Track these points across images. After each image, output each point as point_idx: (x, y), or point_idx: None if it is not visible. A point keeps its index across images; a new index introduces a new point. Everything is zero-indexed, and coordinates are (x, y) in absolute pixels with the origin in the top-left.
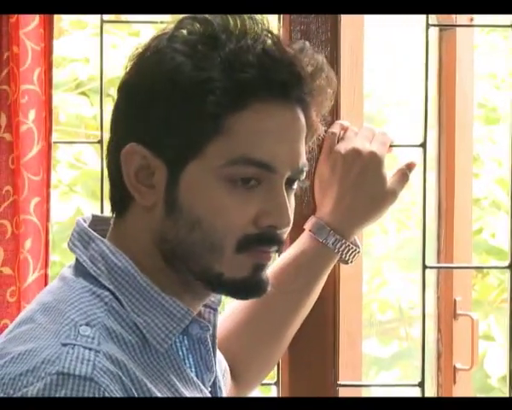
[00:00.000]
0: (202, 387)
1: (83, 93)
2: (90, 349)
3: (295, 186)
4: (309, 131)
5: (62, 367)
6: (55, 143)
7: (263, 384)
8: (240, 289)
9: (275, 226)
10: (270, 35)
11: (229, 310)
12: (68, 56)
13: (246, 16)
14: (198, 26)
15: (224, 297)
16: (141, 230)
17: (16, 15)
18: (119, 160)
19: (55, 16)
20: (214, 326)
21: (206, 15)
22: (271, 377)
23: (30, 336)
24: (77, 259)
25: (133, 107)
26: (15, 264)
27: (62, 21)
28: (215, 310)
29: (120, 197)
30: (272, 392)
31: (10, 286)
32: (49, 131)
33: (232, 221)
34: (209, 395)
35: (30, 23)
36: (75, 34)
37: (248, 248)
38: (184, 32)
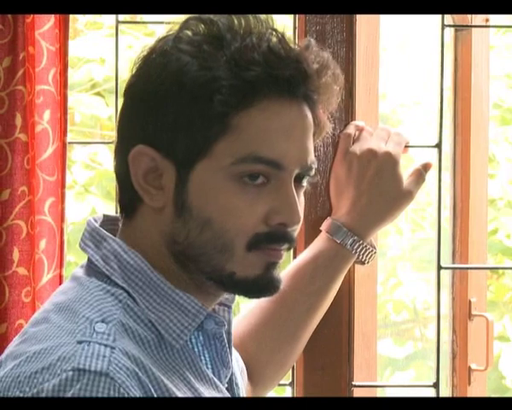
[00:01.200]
0: (218, 383)
1: (98, 94)
2: (106, 346)
3: (305, 184)
4: (317, 129)
5: (78, 363)
6: (70, 143)
7: (278, 385)
8: (252, 288)
9: (285, 224)
10: (274, 33)
11: (246, 311)
12: (84, 57)
13: (250, 16)
14: (203, 26)
15: (238, 297)
16: (151, 231)
17: (32, 16)
18: (127, 162)
19: (71, 17)
20: (229, 323)
21: (212, 16)
22: (286, 377)
23: (45, 335)
24: (89, 258)
25: (140, 109)
26: (30, 264)
27: (78, 22)
28: (229, 307)
29: (129, 199)
30: (287, 392)
31: (25, 286)
32: (64, 132)
33: (242, 221)
34: (225, 392)
35: (45, 23)
36: (90, 35)
37: (259, 247)
38: (189, 32)
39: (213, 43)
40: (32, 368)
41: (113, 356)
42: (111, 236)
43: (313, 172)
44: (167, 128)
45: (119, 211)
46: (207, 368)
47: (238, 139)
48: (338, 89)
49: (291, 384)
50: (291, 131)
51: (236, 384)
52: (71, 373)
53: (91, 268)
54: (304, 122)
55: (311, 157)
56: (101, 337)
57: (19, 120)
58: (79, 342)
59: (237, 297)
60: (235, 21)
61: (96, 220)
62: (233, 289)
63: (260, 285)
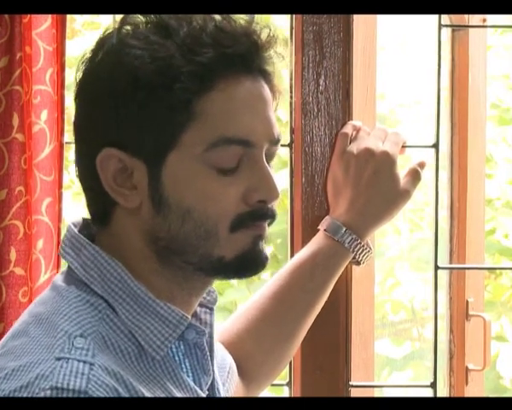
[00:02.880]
0: (199, 392)
1: None
2: (85, 362)
3: (274, 158)
4: (275, 100)
5: (56, 382)
6: (67, 143)
7: (275, 385)
8: (241, 266)
9: (265, 201)
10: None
11: (243, 308)
12: None
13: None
14: (142, 19)
15: (234, 296)
16: (129, 233)
17: (29, 16)
18: (94, 168)
19: (68, 17)
20: (211, 326)
21: None
22: (283, 377)
23: (23, 350)
24: (69, 266)
25: (98, 112)
26: (27, 264)
27: (75, 22)
28: (211, 310)
29: (102, 205)
30: (284, 392)
31: (22, 287)
32: (61, 132)
33: (222, 204)
34: None
35: (42, 24)
36: (88, 35)
37: (242, 226)
38: (130, 27)
39: (159, 32)
40: (10, 386)
41: (92, 373)
42: (91, 243)
43: (279, 147)
44: (130, 126)
45: (91, 221)
46: (188, 377)
47: (205, 125)
48: (287, 58)
49: (288, 384)
50: (253, 106)
51: (218, 390)
52: (49, 392)
53: (71, 276)
54: (263, 95)
55: (277, 129)
56: (79, 353)
57: (16, 120)
58: (58, 359)
59: (233, 296)
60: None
61: (75, 225)
62: (224, 273)
63: (249, 260)
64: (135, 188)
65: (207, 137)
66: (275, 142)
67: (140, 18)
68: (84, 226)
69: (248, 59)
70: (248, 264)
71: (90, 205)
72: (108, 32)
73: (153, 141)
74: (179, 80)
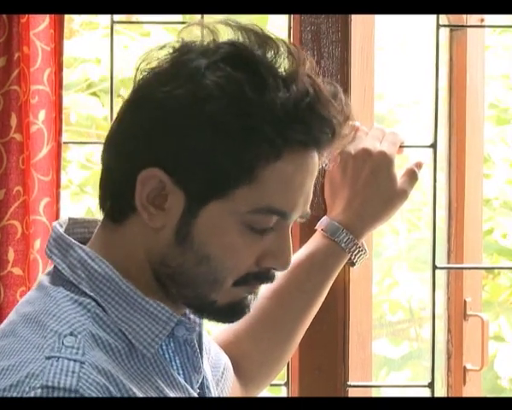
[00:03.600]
0: (190, 390)
1: (94, 94)
2: (75, 361)
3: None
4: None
5: (46, 381)
6: (65, 143)
7: (273, 385)
8: (226, 313)
9: (275, 269)
10: (310, 80)
11: None
12: (79, 57)
13: (277, 39)
14: (238, 55)
15: None
16: (137, 244)
17: (27, 16)
18: (132, 179)
19: (66, 17)
20: (200, 325)
21: (242, 39)
22: (281, 377)
23: (12, 350)
24: (55, 266)
25: (157, 132)
26: (25, 264)
27: (73, 22)
28: None
29: (122, 207)
30: (282, 392)
31: (20, 287)
32: (58, 132)
33: (241, 260)
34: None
35: (40, 24)
36: (86, 35)
37: (245, 283)
38: (225, 65)
39: (255, 87)
40: (0, 385)
41: (83, 371)
42: (78, 243)
43: None
44: (189, 159)
45: (102, 212)
46: (178, 374)
47: (259, 190)
48: (351, 137)
49: (286, 384)
50: (304, 182)
51: (208, 388)
52: (39, 391)
53: (58, 276)
54: (315, 171)
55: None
56: (69, 352)
57: (14, 120)
58: (48, 358)
59: None
60: (268, 50)
61: (61, 225)
62: (208, 314)
63: (235, 310)
64: (163, 210)
65: (255, 202)
66: (305, 214)
67: (234, 53)
68: (72, 225)
69: (324, 142)
70: (233, 313)
71: (109, 200)
72: (190, 48)
73: (204, 183)
74: (257, 145)
